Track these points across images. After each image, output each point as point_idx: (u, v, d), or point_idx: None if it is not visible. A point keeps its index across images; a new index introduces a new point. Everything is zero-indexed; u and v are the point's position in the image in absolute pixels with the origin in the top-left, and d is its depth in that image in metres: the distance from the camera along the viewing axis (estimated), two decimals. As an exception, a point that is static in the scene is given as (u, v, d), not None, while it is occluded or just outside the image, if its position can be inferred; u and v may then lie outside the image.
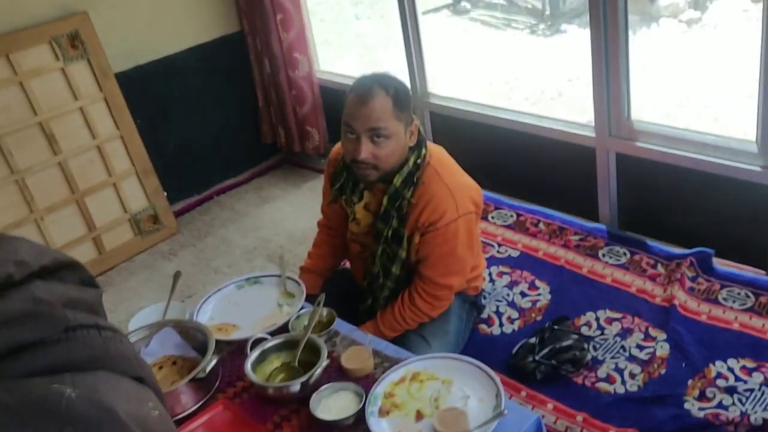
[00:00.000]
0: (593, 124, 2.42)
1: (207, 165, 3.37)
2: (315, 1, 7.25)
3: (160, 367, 1.57)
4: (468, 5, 6.25)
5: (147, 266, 2.90)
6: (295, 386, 1.43)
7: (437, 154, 1.82)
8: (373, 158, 1.66)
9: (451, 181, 1.74)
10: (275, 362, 1.55)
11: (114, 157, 2.85)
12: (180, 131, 3.23)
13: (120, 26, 2.89)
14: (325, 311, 1.67)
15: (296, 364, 1.51)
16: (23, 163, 2.60)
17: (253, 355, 1.51)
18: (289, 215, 3.10)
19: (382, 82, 1.66)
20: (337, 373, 1.51)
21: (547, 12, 5.47)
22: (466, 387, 1.42)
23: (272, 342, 1.55)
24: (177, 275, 1.82)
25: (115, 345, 0.49)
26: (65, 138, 2.69)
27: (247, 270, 2.80)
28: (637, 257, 2.27)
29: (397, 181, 1.71)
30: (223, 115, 3.38)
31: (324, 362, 1.46)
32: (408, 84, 2.95)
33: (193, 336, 1.59)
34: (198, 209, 3.28)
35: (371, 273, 1.86)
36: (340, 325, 1.67)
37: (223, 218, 3.19)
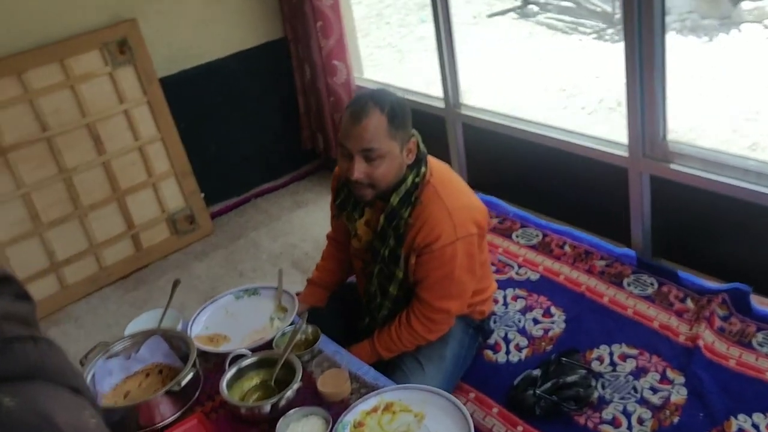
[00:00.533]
0: (626, 142, 2.28)
1: (247, 168, 3.45)
2: (384, 4, 7.26)
3: (147, 375, 1.61)
4: (536, 8, 6.09)
5: (178, 266, 3.00)
6: (266, 407, 1.43)
7: (440, 172, 1.75)
8: (367, 178, 1.63)
9: (451, 202, 1.68)
10: (255, 379, 1.55)
11: (155, 158, 2.96)
12: (221, 134, 3.31)
13: (167, 32, 3.00)
14: (310, 329, 1.67)
15: (273, 383, 1.52)
16: (71, 163, 2.75)
17: (231, 372, 1.52)
18: (318, 220, 3.12)
19: (377, 99, 1.63)
20: (313, 395, 1.50)
21: (617, 16, 5.23)
22: (439, 425, 1.37)
23: (251, 359, 1.55)
24: (176, 283, 1.87)
25: (51, 356, 0.51)
26: (110, 139, 2.82)
27: (271, 275, 2.84)
28: (665, 288, 2.12)
29: (394, 200, 1.67)
30: (265, 119, 3.43)
31: (296, 384, 1.45)
32: (441, 94, 2.95)
33: (179, 346, 1.62)
34: (235, 211, 3.36)
35: (369, 292, 1.83)
36: (326, 345, 1.65)
37: (256, 221, 3.25)
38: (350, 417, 1.40)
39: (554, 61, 5.09)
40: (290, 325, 1.68)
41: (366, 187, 1.65)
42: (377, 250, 1.74)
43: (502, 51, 5.44)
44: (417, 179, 1.68)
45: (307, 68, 3.30)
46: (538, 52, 5.35)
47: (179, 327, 1.76)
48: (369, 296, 1.84)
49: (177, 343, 1.62)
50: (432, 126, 3.07)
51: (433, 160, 1.78)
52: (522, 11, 6.15)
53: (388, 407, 1.42)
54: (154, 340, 1.64)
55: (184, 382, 1.48)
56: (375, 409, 1.42)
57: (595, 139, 2.42)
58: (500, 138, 2.75)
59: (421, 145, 1.74)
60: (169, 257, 3.06)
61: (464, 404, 1.81)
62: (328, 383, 1.49)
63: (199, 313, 1.80)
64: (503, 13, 6.27)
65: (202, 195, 3.13)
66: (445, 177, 1.76)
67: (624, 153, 2.29)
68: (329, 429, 1.37)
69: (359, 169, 1.62)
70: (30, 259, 2.69)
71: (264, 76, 3.38)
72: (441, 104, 2.98)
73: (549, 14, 5.90)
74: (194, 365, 1.53)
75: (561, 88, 4.57)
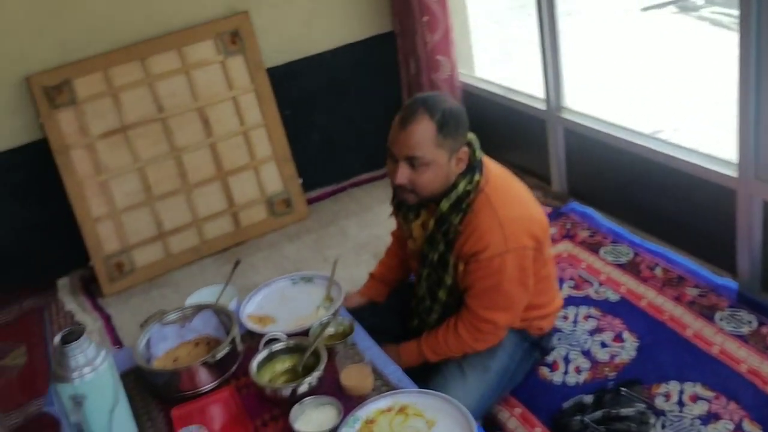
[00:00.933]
0: (736, 161, 2.06)
1: (347, 157, 3.54)
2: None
3: (197, 344, 1.75)
4: (699, 1, 5.50)
5: (271, 245, 3.16)
6: (287, 391, 1.49)
7: (496, 180, 1.69)
8: (410, 184, 1.62)
9: (504, 212, 1.63)
10: (287, 362, 1.62)
11: (257, 143, 3.14)
12: (325, 124, 3.43)
13: (278, 24, 3.15)
14: (346, 321, 1.70)
15: (300, 368, 1.57)
16: (181, 142, 3.00)
17: (263, 354, 1.60)
18: (407, 216, 3.13)
19: (429, 104, 1.59)
20: (336, 386, 1.53)
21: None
22: (447, 432, 1.35)
23: (284, 343, 1.62)
24: (236, 263, 1.99)
25: None
26: (217, 123, 3.05)
27: (353, 264, 2.91)
28: (764, 330, 1.88)
29: (444, 206, 1.65)
30: (369, 112, 3.50)
31: (317, 373, 1.50)
32: (542, 95, 2.83)
33: (226, 322, 1.73)
34: (331, 198, 3.47)
35: (418, 295, 1.83)
36: (361, 339, 1.68)
37: (348, 210, 3.34)
38: (363, 413, 1.42)
39: (714, 63, 4.62)
40: (333, 313, 1.73)
41: (409, 192, 1.65)
42: (426, 254, 1.73)
43: (650, 50, 4.99)
44: (469, 186, 1.64)
45: (412, 63, 3.32)
46: (695, 51, 4.84)
47: (233, 304, 1.87)
48: (418, 299, 1.83)
49: (224, 319, 1.73)
50: (532, 128, 2.96)
51: (493, 167, 1.73)
52: (683, 4, 5.55)
53: (402, 409, 1.42)
54: (206, 313, 1.76)
55: (219, 356, 1.58)
56: (389, 409, 1.42)
57: (702, 155, 2.23)
58: (603, 147, 2.60)
59: (478, 152, 1.69)
60: (264, 236, 3.24)
61: (508, 419, 1.79)
62: (352, 377, 1.51)
63: (255, 294, 1.91)
64: (661, 6, 5.69)
65: (300, 181, 3.27)
66: (503, 185, 1.70)
67: (733, 173, 2.08)
68: (340, 420, 1.40)
69: (403, 175, 1.61)
70: (141, 227, 2.98)
71: (370, 69, 3.44)
72: (542, 106, 2.87)
73: (715, 7, 5.31)
74: (232, 342, 1.62)
75: (710, 93, 4.14)
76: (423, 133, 1.57)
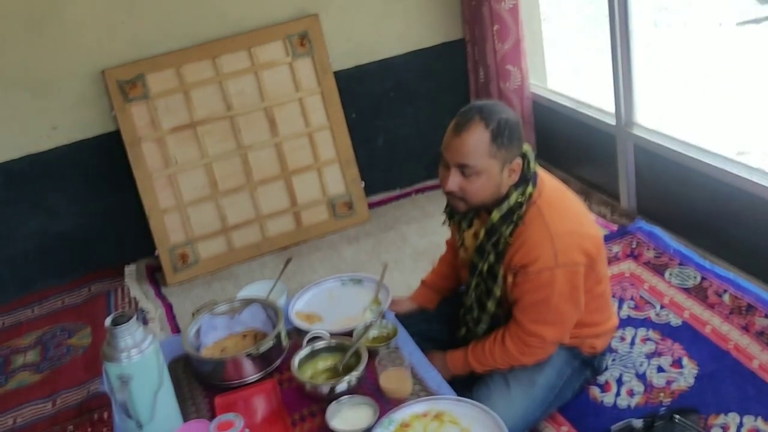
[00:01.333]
0: None
1: (412, 164, 3.53)
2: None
3: (245, 336, 1.78)
4: None
5: (331, 246, 3.19)
6: (325, 388, 1.49)
7: (550, 193, 1.66)
8: (461, 191, 1.61)
9: (556, 226, 1.60)
10: (329, 360, 1.63)
11: (322, 145, 3.19)
12: (391, 128, 3.44)
13: (347, 28, 3.19)
14: (390, 325, 1.70)
15: (341, 368, 1.57)
16: (248, 141, 3.08)
17: (305, 350, 1.61)
18: (466, 225, 3.09)
19: (485, 113, 1.57)
20: (375, 388, 1.53)
21: None
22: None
23: (326, 342, 1.63)
24: (288, 260, 2.01)
25: None
26: (283, 123, 3.11)
27: (410, 270, 2.89)
28: None
29: (495, 216, 1.63)
30: (436, 119, 3.48)
31: (357, 373, 1.50)
32: (613, 110, 2.73)
33: (273, 317, 1.75)
34: (394, 203, 3.47)
35: (466, 304, 1.81)
36: (405, 343, 1.67)
37: (410, 216, 3.33)
38: (399, 415, 1.41)
39: None
40: (377, 317, 1.72)
41: (459, 200, 1.64)
42: (476, 263, 1.71)
43: (743, 67, 4.73)
44: (521, 198, 1.62)
45: (481, 71, 3.28)
46: None
47: (282, 300, 1.89)
48: (466, 308, 1.81)
49: (271, 314, 1.75)
50: (601, 143, 2.86)
51: (548, 180, 1.70)
52: None
53: (438, 415, 1.41)
54: (255, 307, 1.79)
55: (262, 349, 1.61)
56: (425, 414, 1.42)
57: None
58: (675, 167, 2.50)
59: (532, 164, 1.67)
60: (324, 237, 3.27)
61: None
62: (391, 379, 1.51)
63: (304, 292, 1.93)
64: (758, 21, 5.31)
65: (363, 184, 3.29)
66: (556, 199, 1.66)
67: None
68: (375, 421, 1.39)
69: (453, 182, 1.60)
70: (206, 221, 3.08)
71: (439, 76, 3.43)
72: (612, 120, 2.77)
73: None
74: (277, 336, 1.65)
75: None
76: (477, 141, 1.55)
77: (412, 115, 3.46)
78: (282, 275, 2.04)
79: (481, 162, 1.56)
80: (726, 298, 2.08)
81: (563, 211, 1.64)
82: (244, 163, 3.10)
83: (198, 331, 1.75)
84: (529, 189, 1.63)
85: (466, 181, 1.59)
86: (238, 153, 3.08)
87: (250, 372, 1.63)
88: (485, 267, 1.68)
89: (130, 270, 3.16)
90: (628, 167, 2.76)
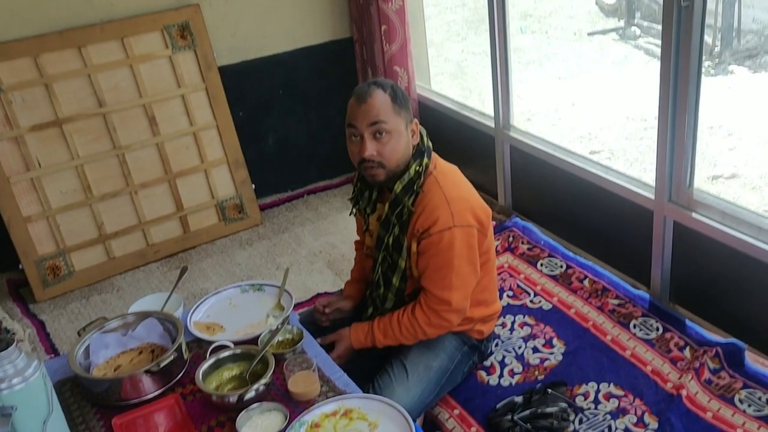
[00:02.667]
0: (654, 185, 2.21)
1: (303, 164, 3.48)
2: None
3: (140, 352, 1.65)
4: (638, 31, 5.89)
5: (223, 251, 3.07)
6: (233, 398, 1.43)
7: (443, 167, 1.81)
8: (378, 156, 1.68)
9: (449, 191, 1.73)
10: (234, 370, 1.57)
11: (208, 145, 3.05)
12: (281, 128, 3.37)
13: (232, 21, 3.07)
14: (295, 329, 1.67)
15: (247, 376, 1.51)
16: (125, 140, 2.87)
17: (210, 361, 1.54)
18: (361, 224, 3.10)
19: (378, 82, 1.71)
20: (283, 393, 1.50)
21: (717, 48, 4.90)
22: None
23: (232, 351, 1.56)
24: (183, 270, 1.90)
25: None
26: (165, 122, 2.93)
27: (306, 272, 2.85)
28: (667, 335, 2.04)
29: (398, 188, 1.73)
30: (326, 117, 3.46)
31: (264, 380, 1.45)
32: (492, 113, 2.86)
33: (171, 330, 1.65)
34: (286, 205, 3.40)
35: (373, 281, 1.86)
36: (310, 347, 1.65)
37: (303, 218, 3.28)
38: (309, 417, 1.41)
39: (644, 89, 4.86)
40: (282, 322, 1.67)
41: (377, 166, 1.69)
42: (381, 237, 1.78)
43: (591, 72, 5.29)
44: (419, 168, 1.73)
45: (369, 71, 3.29)
46: (629, 76, 5.15)
47: (179, 312, 1.78)
48: (373, 286, 1.87)
49: (169, 326, 1.65)
50: (482, 144, 2.99)
51: (442, 162, 1.83)
52: (623, 33, 5.98)
53: (347, 413, 1.42)
54: (150, 321, 1.67)
55: (163, 364, 1.50)
56: (335, 413, 1.42)
57: (626, 177, 2.38)
58: (543, 165, 2.71)
59: (425, 138, 1.79)
60: (215, 242, 3.14)
61: (447, 419, 1.88)
62: (299, 383, 1.49)
63: (203, 301, 1.84)
64: (604, 32, 6.13)
65: (253, 186, 3.19)
66: (449, 172, 1.81)
67: (651, 195, 2.22)
68: (286, 425, 1.37)
69: (370, 147, 1.66)
70: (79, 229, 2.84)
71: (328, 74, 3.40)
72: (491, 123, 2.92)
73: (650, 38, 5.66)
74: (178, 349, 1.55)
75: (642, 118, 4.36)
76: (381, 102, 1.66)
77: (303, 114, 3.41)
78: (174, 285, 1.92)
79: (391, 119, 1.66)
80: (586, 283, 2.31)
81: (456, 183, 1.78)
82: (121, 165, 2.89)
83: (87, 350, 1.60)
84: (425, 160, 1.74)
85: (381, 144, 1.67)
86: (114, 154, 2.87)
87: (150, 388, 1.52)
88: (390, 240, 1.76)
89: (-12, 286, 2.85)
90: (505, 167, 2.93)
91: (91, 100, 2.78)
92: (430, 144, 1.80)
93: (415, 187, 1.72)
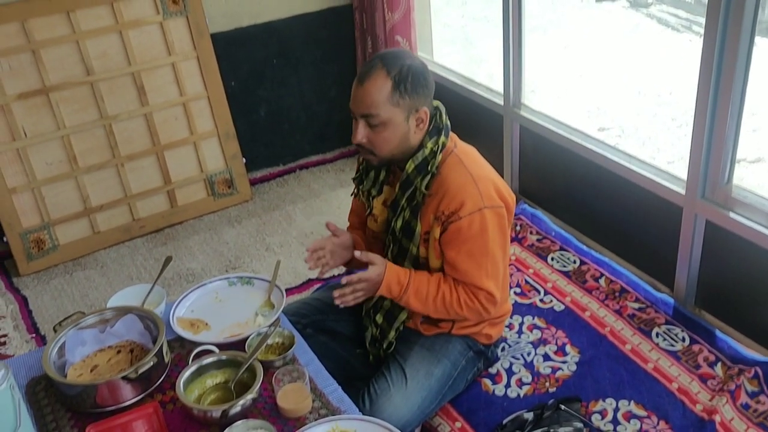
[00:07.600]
0: (685, 178, 2.02)
1: (296, 137, 3.35)
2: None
3: (119, 351, 1.57)
4: None
5: (210, 228, 2.97)
6: (216, 412, 1.35)
7: (464, 147, 1.66)
8: (369, 143, 1.57)
9: (476, 171, 1.59)
10: (218, 377, 1.47)
11: (198, 116, 2.91)
12: (274, 98, 3.23)
13: (225, -14, 2.91)
14: (285, 333, 1.57)
15: (233, 387, 1.43)
16: (112, 110, 2.74)
17: (191, 369, 1.44)
18: (356, 203, 2.99)
19: (387, 61, 1.53)
20: (272, 407, 1.41)
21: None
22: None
23: (215, 357, 1.47)
24: (167, 260, 1.80)
25: None
26: (154, 91, 2.79)
27: (296, 254, 2.76)
28: (695, 348, 1.87)
29: (410, 167, 1.58)
30: (321, 89, 3.31)
31: (251, 395, 1.36)
32: (501, 90, 2.71)
33: (152, 328, 1.56)
34: (278, 180, 3.29)
35: None
36: (301, 353, 1.55)
37: (295, 195, 3.17)
38: None
39: (658, 60, 4.65)
40: (272, 324, 1.58)
41: (368, 152, 1.59)
42: (390, 221, 1.65)
43: (600, 41, 5.03)
44: (435, 147, 1.59)
45: (369, 40, 3.14)
46: (642, 47, 4.88)
47: (162, 306, 1.69)
48: None
49: (148, 323, 1.56)
50: (490, 122, 2.85)
51: (462, 143, 1.68)
52: (634, 0, 5.69)
53: None
54: (130, 318, 1.58)
55: (141, 371, 1.42)
56: None
57: (653, 168, 2.18)
58: (556, 148, 2.52)
59: (444, 117, 1.63)
60: (203, 218, 3.04)
61: None
62: (289, 398, 1.39)
63: (187, 295, 1.74)
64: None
65: (244, 160, 3.07)
66: (471, 152, 1.67)
67: (681, 190, 2.03)
68: (274, 447, 1.28)
69: (361, 133, 1.56)
70: (64, 201, 2.73)
71: (325, 43, 3.24)
72: (500, 100, 2.76)
73: (663, 6, 5.41)
74: (158, 354, 1.46)
75: (656, 93, 4.17)
76: (378, 90, 1.51)
77: (297, 85, 3.26)
78: (158, 273, 1.82)
79: (384, 111, 1.52)
80: (602, 282, 2.15)
81: (480, 162, 1.65)
82: (108, 136, 2.76)
83: (62, 347, 1.52)
84: (443, 139, 1.60)
85: (372, 133, 1.55)
86: (102, 124, 2.74)
87: (128, 395, 1.43)
88: (399, 223, 1.62)
89: (-30, 260, 2.76)
90: (513, 148, 2.77)
91: (78, 67, 2.64)
92: (449, 122, 1.64)
93: (429, 167, 1.57)
